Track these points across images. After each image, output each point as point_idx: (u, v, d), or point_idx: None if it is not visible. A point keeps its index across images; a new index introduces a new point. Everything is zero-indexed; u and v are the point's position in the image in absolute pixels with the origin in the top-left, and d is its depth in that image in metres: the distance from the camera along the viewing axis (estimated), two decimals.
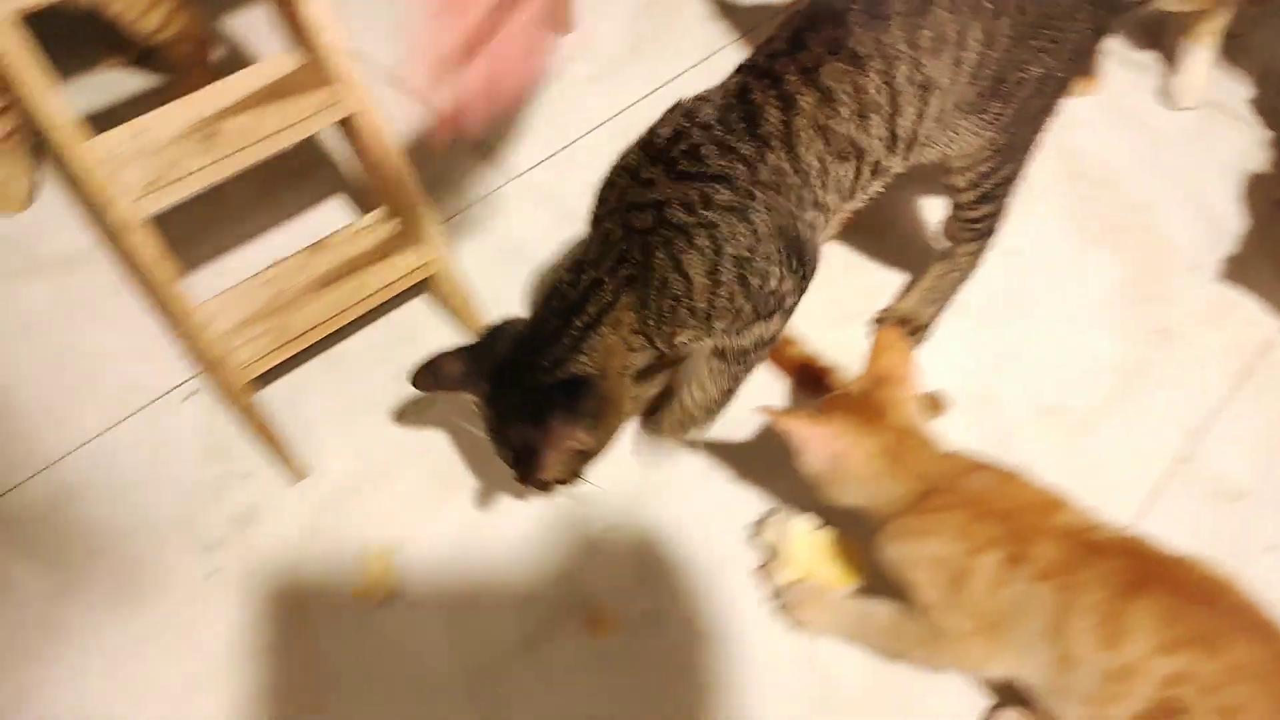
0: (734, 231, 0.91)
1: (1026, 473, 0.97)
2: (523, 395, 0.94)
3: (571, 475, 1.02)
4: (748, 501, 1.18)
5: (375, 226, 1.28)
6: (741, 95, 0.93)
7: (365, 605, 1.10)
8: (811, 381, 1.27)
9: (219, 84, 1.12)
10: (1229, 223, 1.46)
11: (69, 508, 1.18)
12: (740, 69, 0.97)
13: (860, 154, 0.96)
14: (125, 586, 1.12)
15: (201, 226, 1.44)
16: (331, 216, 1.48)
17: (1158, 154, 1.56)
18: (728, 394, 1.09)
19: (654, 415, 1.17)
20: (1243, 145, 1.56)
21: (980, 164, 1.08)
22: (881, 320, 1.33)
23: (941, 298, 1.28)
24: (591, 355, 0.94)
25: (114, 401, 1.27)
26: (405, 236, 1.27)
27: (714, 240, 0.91)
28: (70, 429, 1.25)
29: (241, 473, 1.21)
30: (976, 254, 1.23)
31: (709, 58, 1.71)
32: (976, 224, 1.18)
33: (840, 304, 1.37)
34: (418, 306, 1.37)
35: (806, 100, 0.92)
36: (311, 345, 1.21)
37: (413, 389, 1.04)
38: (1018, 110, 1.03)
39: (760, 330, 1.00)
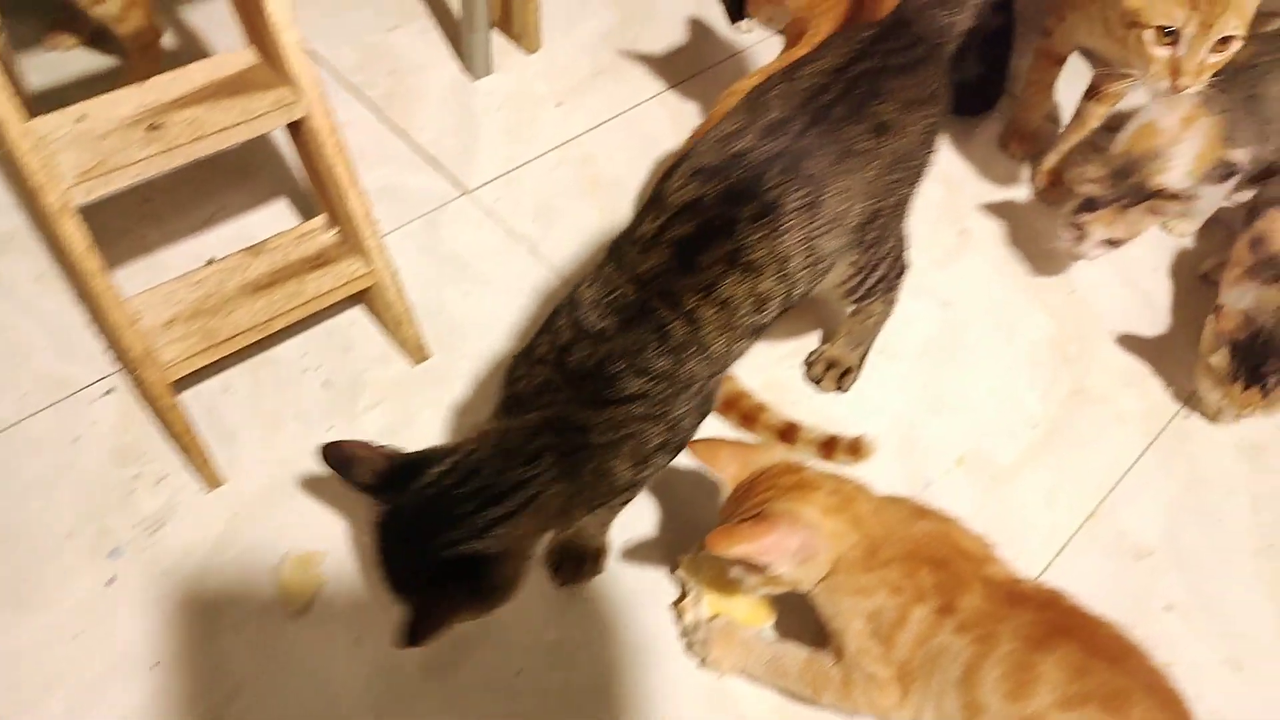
0: (654, 431, 0.93)
1: (961, 519, 0.99)
2: (421, 556, 0.86)
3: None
4: (669, 537, 1.19)
5: (317, 233, 1.27)
6: (644, 311, 0.90)
7: (275, 616, 1.08)
8: (743, 418, 1.28)
9: (170, 74, 1.10)
10: (1154, 294, 1.52)
11: None
12: (635, 280, 0.92)
13: (758, 330, 0.97)
14: (21, 587, 1.08)
15: (139, 220, 1.41)
16: (273, 219, 1.46)
17: None
18: (619, 509, 1.10)
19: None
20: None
21: (850, 280, 1.11)
22: (812, 362, 1.36)
23: (863, 342, 1.31)
24: (502, 539, 0.88)
25: (28, 392, 1.23)
26: (347, 245, 1.26)
27: (637, 444, 0.93)
28: None
29: (155, 476, 1.18)
30: (884, 306, 1.27)
31: (665, 91, 1.73)
32: (867, 304, 1.23)
33: (774, 346, 1.39)
34: (355, 316, 1.36)
35: (708, 313, 0.91)
36: (240, 349, 1.19)
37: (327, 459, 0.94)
38: (879, 232, 1.06)
39: (666, 460, 1.01)
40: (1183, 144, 1.28)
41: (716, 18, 1.86)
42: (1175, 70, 1.18)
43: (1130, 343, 1.45)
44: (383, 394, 1.28)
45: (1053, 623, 0.89)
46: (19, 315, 1.30)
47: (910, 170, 1.03)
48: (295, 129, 1.19)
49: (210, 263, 1.30)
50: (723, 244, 0.90)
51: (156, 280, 1.20)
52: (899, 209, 1.07)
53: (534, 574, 1.14)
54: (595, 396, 0.91)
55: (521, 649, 1.09)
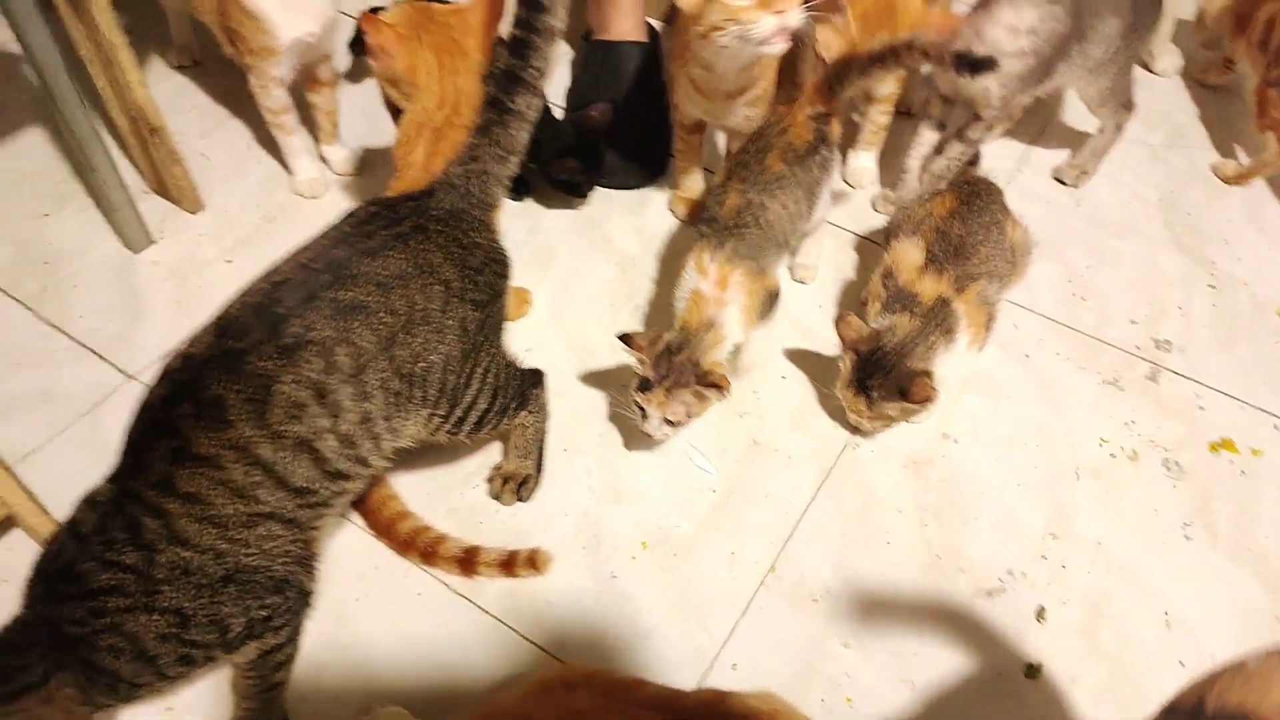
0: (146, 623, 0.93)
1: (603, 662, 0.99)
2: None
3: None
4: (365, 685, 1.18)
5: None
6: (119, 507, 0.94)
7: None
8: (423, 555, 1.30)
9: None
10: (818, 330, 1.61)
11: None
12: (113, 478, 0.96)
13: (272, 514, 0.97)
14: None
15: None
16: None
17: None
18: (270, 687, 1.10)
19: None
20: (837, 249, 1.73)
21: (442, 429, 1.15)
22: (490, 479, 1.38)
23: (531, 450, 1.35)
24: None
25: None
26: None
27: (126, 637, 0.93)
28: None
29: None
30: (533, 416, 1.31)
31: None
32: (496, 430, 1.25)
33: (455, 470, 1.41)
34: (13, 541, 1.31)
35: (173, 507, 0.93)
36: None
37: None
38: (441, 386, 1.09)
39: (259, 645, 1.02)
40: (728, 305, 1.32)
41: None
42: (766, 4, 1.26)
43: (798, 383, 1.54)
44: None
45: None
46: None
47: (446, 328, 1.06)
48: None
49: None
50: (167, 441, 0.93)
51: None
52: (457, 363, 1.10)
53: None
54: (55, 589, 0.93)
55: None
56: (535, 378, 1.30)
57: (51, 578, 0.95)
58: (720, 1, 1.28)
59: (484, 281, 1.10)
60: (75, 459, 1.40)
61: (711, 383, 1.28)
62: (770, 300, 1.39)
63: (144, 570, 0.92)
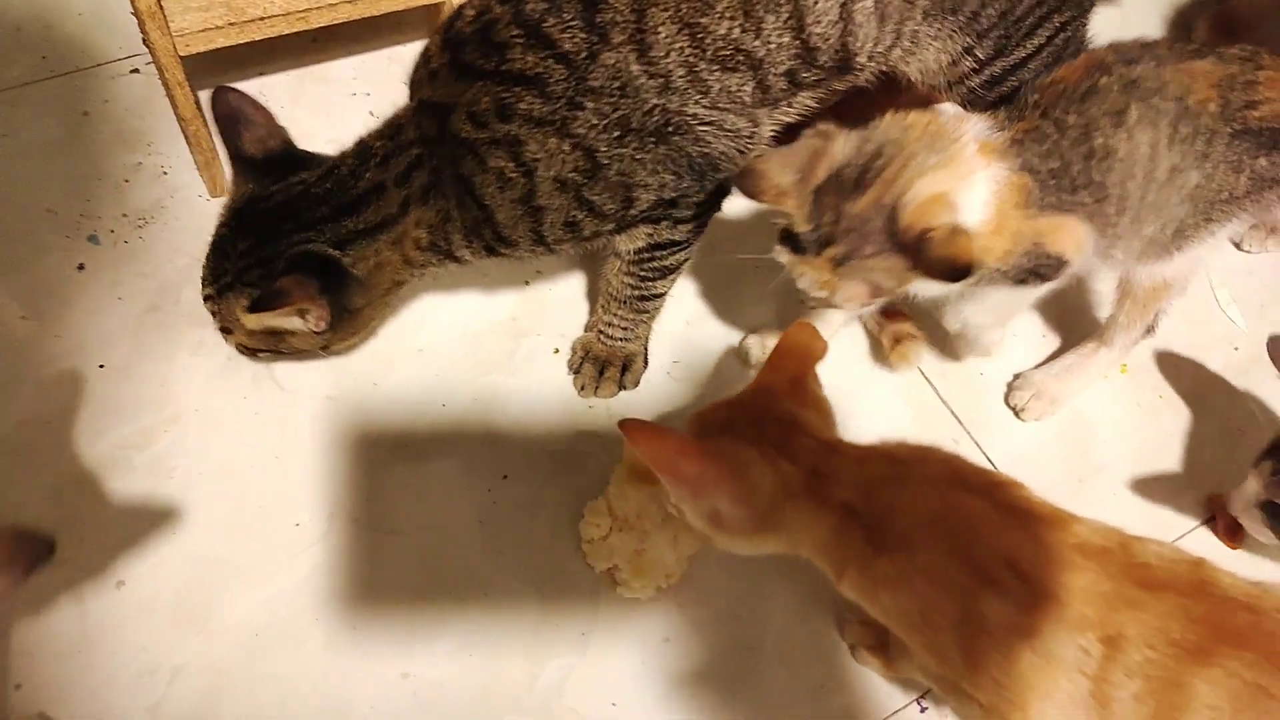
0: (549, 150, 0.70)
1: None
2: (277, 242, 0.76)
3: (272, 352, 0.84)
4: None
5: None
6: None
7: None
8: None
9: None
10: None
11: None
12: None
13: (756, 63, 0.70)
14: None
15: None
16: None
17: None
18: (644, 298, 0.86)
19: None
20: None
21: (960, 79, 0.81)
22: None
23: None
24: (358, 260, 0.76)
25: (49, 56, 1.09)
26: None
27: (519, 161, 0.70)
28: None
29: (157, 169, 1.02)
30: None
31: None
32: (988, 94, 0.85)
33: None
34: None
35: None
36: (291, 55, 1.01)
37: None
38: (1000, 10, 0.76)
39: (652, 233, 0.78)
40: (977, 172, 0.72)
41: None
42: None
43: None
44: None
45: (1210, 620, 0.59)
46: None
47: None
48: None
49: None
50: None
51: None
52: None
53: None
54: (468, 66, 0.70)
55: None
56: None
57: (461, 43, 0.72)
58: None
59: None
60: None
61: (931, 252, 0.67)
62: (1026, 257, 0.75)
63: (579, 66, 0.68)
